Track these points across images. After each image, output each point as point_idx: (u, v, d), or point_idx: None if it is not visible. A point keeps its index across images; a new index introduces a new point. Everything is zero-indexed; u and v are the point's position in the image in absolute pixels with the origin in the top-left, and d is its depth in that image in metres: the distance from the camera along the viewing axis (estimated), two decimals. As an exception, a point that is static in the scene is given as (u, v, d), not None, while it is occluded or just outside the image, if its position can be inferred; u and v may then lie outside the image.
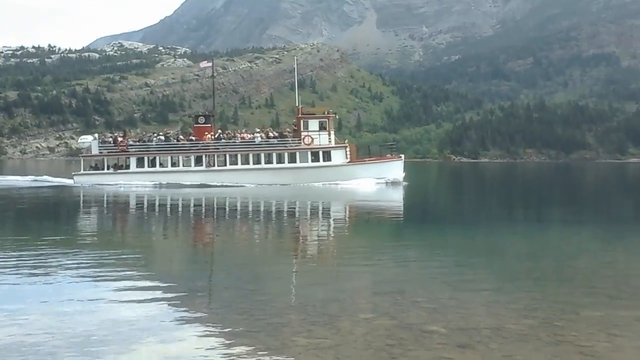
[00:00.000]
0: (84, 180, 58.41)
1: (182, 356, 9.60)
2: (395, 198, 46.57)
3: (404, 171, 59.55)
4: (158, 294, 13.61)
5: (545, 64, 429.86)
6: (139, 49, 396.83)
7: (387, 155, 62.87)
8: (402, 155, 62.15)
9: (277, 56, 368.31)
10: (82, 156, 62.38)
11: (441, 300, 13.24)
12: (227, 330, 10.94)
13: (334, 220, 31.86)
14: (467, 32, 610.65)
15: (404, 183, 57.63)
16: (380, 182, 57.10)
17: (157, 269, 17.36)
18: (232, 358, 9.51)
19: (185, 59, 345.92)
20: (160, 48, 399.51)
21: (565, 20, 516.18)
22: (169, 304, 12.66)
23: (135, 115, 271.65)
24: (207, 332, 10.80)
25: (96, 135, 66.54)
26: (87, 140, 63.02)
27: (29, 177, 64.47)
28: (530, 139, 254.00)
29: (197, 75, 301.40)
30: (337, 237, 24.85)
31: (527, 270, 17.20)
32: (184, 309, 12.33)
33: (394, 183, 57.25)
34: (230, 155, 59.24)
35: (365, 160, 60.61)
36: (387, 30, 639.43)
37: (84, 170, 60.48)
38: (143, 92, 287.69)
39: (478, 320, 11.51)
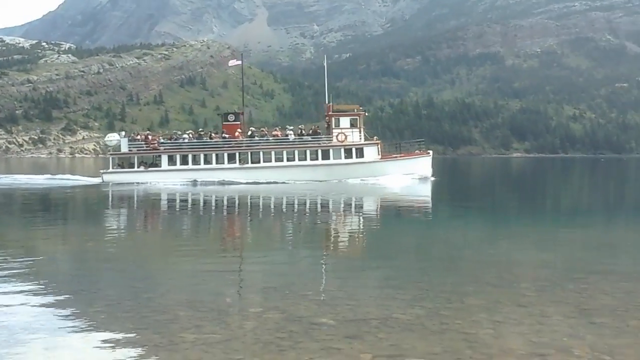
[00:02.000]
0: (113, 179, 57.21)
1: (64, 358, 9.28)
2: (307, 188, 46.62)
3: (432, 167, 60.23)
4: (39, 297, 13.12)
5: (433, 63, 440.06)
6: (20, 45, 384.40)
7: (416, 151, 63.72)
8: (430, 152, 63.44)
9: (166, 52, 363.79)
10: (111, 154, 61.15)
11: (330, 292, 13.30)
12: (112, 328, 10.63)
13: (238, 215, 31.65)
14: (357, 30, 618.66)
15: (432, 178, 58.41)
16: (414, 177, 57.63)
17: (43, 271, 16.72)
18: (116, 357, 9.26)
19: (69, 55, 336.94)
20: (44, 44, 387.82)
21: (453, 20, 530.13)
22: (52, 306, 12.21)
23: (17, 112, 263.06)
24: (91, 332, 10.47)
25: (122, 133, 65.01)
26: (115, 138, 61.49)
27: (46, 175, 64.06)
28: (419, 135, 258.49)
29: (82, 71, 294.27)
30: (234, 233, 24.72)
31: (415, 262, 17.50)
32: (68, 310, 11.92)
33: (423, 178, 57.85)
34: (264, 153, 58.64)
35: (396, 157, 60.93)
36: (279, 28, 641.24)
37: (112, 168, 59.54)
38: (25, 88, 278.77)
39: (366, 311, 11.60)
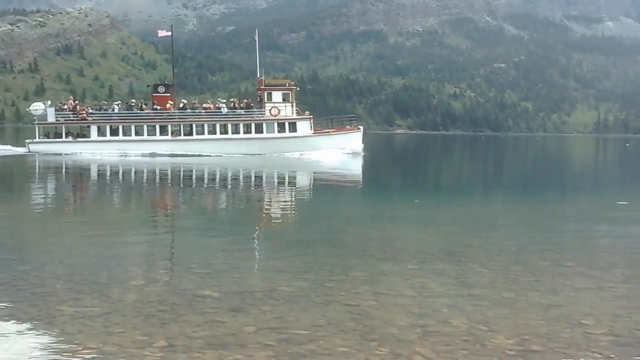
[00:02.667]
0: (40, 149, 55.49)
1: None
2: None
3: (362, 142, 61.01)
4: None
5: (317, 38, 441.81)
6: None
7: (347, 126, 63.96)
8: (361, 127, 64.08)
9: (41, 20, 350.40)
10: (37, 124, 58.62)
11: (215, 265, 13.17)
12: (-15, 303, 10.18)
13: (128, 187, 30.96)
14: (241, 3, 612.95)
15: (363, 153, 59.03)
16: (346, 152, 58.03)
17: None
18: (-10, 332, 8.87)
19: None
20: None
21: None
22: None
23: None
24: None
25: (48, 102, 62.05)
26: (40, 107, 59.11)
27: None
28: (303, 110, 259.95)
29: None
30: (134, 206, 24.20)
31: (300, 236, 17.53)
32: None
33: (355, 153, 58.34)
34: (196, 125, 58.06)
35: (328, 132, 61.12)
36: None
37: (38, 138, 57.48)
38: None
39: (251, 284, 11.56)
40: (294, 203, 26.15)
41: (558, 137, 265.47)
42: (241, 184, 35.05)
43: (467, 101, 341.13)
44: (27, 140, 57.97)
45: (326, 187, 34.04)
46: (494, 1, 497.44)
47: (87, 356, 7.98)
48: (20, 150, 57.37)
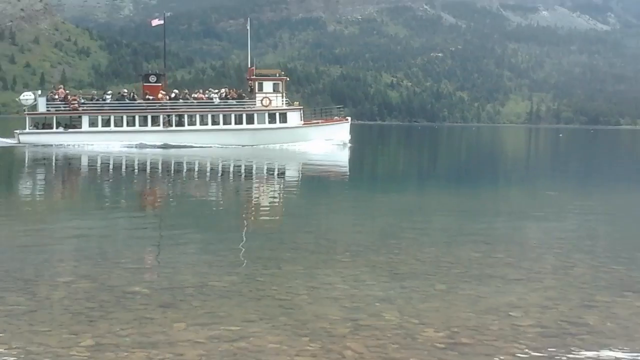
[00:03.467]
0: (30, 140, 54.56)
1: None
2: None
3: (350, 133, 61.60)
4: None
5: (256, 26, 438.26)
6: None
7: (335, 117, 64.25)
8: (349, 118, 64.95)
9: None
10: (28, 114, 56.98)
11: (146, 261, 13.03)
12: None
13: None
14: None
15: (350, 145, 59.58)
16: (336, 143, 58.45)
17: None
18: None
19: None
20: None
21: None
22: None
23: None
24: None
25: (39, 91, 60.46)
26: (30, 97, 57.16)
27: None
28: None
29: None
30: (68, 198, 23.74)
31: (233, 229, 17.45)
32: None
33: (343, 144, 58.90)
34: (188, 116, 57.66)
35: (318, 123, 61.36)
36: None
37: (29, 128, 56.27)
38: None
39: (182, 279, 11.43)
40: (237, 195, 26.09)
41: (492, 127, 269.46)
42: (209, 175, 34.83)
43: (403, 91, 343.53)
44: (17, 131, 56.32)
45: (284, 179, 33.98)
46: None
47: (11, 356, 7.79)
48: (9, 141, 55.81)
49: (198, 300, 10.17)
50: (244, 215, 20.23)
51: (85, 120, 57.00)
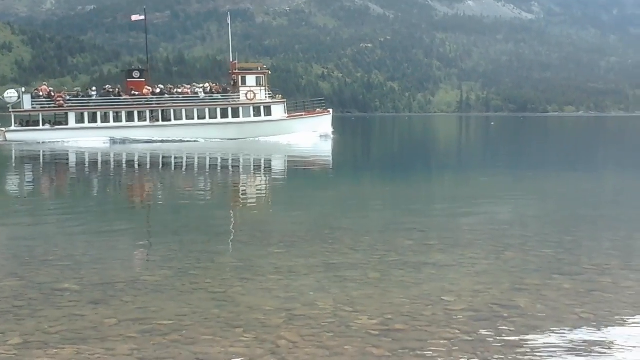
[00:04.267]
0: (17, 138, 54.34)
1: None
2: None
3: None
4: None
5: (183, 18, 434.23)
6: None
7: (317, 109, 65.53)
8: (331, 110, 66.15)
9: None
10: (13, 111, 56.73)
11: (75, 257, 12.73)
12: None
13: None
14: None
15: (332, 136, 61.13)
16: (321, 135, 60.02)
17: None
18: None
19: None
20: None
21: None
22: None
23: None
24: None
25: (23, 89, 60.42)
26: (14, 95, 56.72)
27: None
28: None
29: None
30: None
31: (168, 222, 17.26)
32: None
33: (326, 136, 60.37)
34: (174, 110, 58.00)
35: (302, 115, 62.55)
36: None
37: (15, 126, 56.16)
38: None
39: (113, 275, 11.23)
40: (177, 189, 25.81)
41: (424, 116, 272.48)
42: (172, 169, 34.34)
43: (335, 82, 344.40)
44: (3, 129, 55.86)
45: (229, 172, 33.75)
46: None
47: None
48: None
49: (129, 296, 10.01)
50: (178, 209, 19.99)
51: (71, 116, 56.98)
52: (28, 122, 57.06)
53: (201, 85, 62.74)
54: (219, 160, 39.92)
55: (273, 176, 31.47)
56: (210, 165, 37.82)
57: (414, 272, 11.61)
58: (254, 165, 37.00)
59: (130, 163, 38.95)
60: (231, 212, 19.19)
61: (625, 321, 9.09)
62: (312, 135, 59.43)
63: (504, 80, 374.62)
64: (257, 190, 25.46)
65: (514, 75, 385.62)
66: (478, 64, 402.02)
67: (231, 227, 16.36)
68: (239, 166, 37.12)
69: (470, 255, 12.96)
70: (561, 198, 22.70)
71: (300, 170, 35.23)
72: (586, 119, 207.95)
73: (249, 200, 22.02)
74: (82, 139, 54.06)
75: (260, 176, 31.31)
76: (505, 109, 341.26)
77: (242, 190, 25.54)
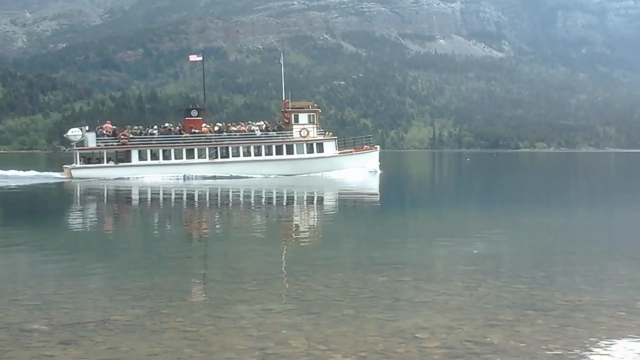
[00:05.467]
0: (83, 174, 55.67)
1: None
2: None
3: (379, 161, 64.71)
4: None
5: (155, 56, 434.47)
6: None
7: (365, 146, 66.94)
8: (378, 146, 67.88)
9: None
10: (78, 149, 58.26)
11: (44, 296, 12.54)
12: None
13: None
14: (74, 20, 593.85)
15: (379, 172, 62.22)
16: (370, 170, 61.88)
17: None
18: None
19: None
20: None
21: (174, 13, 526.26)
22: None
23: None
24: None
25: (86, 127, 61.36)
26: (79, 133, 58.84)
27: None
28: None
29: None
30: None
31: (136, 260, 17.07)
32: None
33: (373, 171, 62.01)
34: (232, 148, 59.88)
35: (351, 151, 64.34)
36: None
37: (79, 163, 57.52)
38: None
39: (83, 315, 11.07)
40: (156, 227, 25.56)
41: (397, 152, 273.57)
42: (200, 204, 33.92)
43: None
44: (69, 166, 57.44)
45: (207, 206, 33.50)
46: (331, 19, 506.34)
47: None
48: (58, 175, 57.16)
49: (100, 336, 9.86)
50: (151, 247, 19.81)
51: (134, 154, 58.55)
52: (90, 159, 58.58)
53: (257, 124, 64.68)
54: (220, 196, 39.67)
55: (248, 212, 31.31)
56: (211, 200, 37.56)
57: (387, 308, 11.56)
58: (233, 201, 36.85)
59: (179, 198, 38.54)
60: (201, 249, 19.04)
61: (598, 357, 9.09)
62: (361, 171, 61.03)
63: (475, 117, 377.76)
64: (232, 226, 25.27)
65: (485, 112, 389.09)
66: (450, 101, 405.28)
67: (204, 264, 16.24)
68: (228, 203, 36.97)
69: (444, 291, 12.94)
70: (534, 234, 22.78)
71: (286, 206, 35.11)
72: (557, 155, 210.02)
73: (218, 239, 21.82)
74: (153, 176, 55.62)
75: (235, 212, 31.19)
76: (477, 146, 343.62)
77: (217, 227, 25.38)
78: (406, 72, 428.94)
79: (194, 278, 14.46)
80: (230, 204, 36.13)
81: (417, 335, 9.93)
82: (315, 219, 28.00)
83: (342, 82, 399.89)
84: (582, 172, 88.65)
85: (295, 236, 22.45)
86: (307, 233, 23.39)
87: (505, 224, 25.58)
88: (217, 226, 25.85)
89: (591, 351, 9.32)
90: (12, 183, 49.03)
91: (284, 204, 36.44)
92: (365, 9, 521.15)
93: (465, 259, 16.94)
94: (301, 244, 20.19)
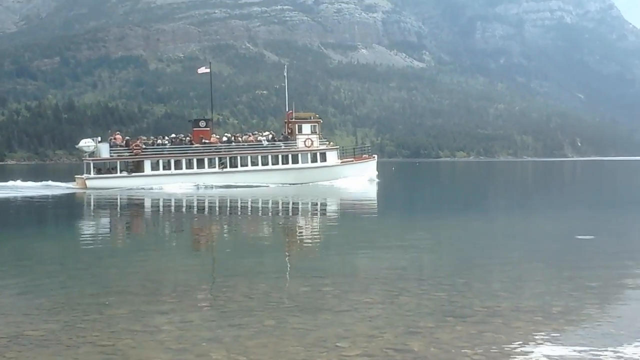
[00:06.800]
0: (97, 184, 56.92)
1: None
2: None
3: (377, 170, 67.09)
4: None
5: (73, 64, 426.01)
6: None
7: (365, 155, 69.74)
8: (376, 156, 70.72)
9: None
10: (92, 160, 59.44)
11: (-46, 312, 12.07)
12: None
13: None
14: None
15: (377, 180, 64.53)
16: (372, 179, 64.13)
17: None
18: None
19: None
20: None
21: (92, 20, 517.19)
22: None
23: None
24: None
25: (99, 138, 62.52)
26: (92, 143, 60.23)
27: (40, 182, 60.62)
28: (60, 140, 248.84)
29: None
30: None
31: (52, 274, 16.58)
32: None
33: (372, 180, 64.26)
34: (241, 157, 61.62)
35: (352, 161, 66.88)
36: None
37: (93, 174, 58.84)
38: None
39: (-6, 330, 10.70)
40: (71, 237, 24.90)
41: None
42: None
43: (230, 128, 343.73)
44: (83, 177, 58.55)
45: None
46: (254, 28, 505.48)
47: None
48: (71, 185, 58.69)
49: (12, 352, 9.57)
50: (65, 260, 19.31)
51: (147, 164, 59.91)
52: (100, 169, 60.03)
53: (265, 134, 67.45)
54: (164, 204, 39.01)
55: (190, 222, 30.93)
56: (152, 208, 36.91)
57: (309, 318, 11.51)
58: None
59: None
60: (119, 261, 18.59)
61: (516, 362, 9.22)
62: (361, 180, 63.09)
63: (397, 126, 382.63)
64: (141, 240, 24.84)
65: (407, 121, 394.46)
66: (372, 110, 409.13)
67: (121, 277, 15.87)
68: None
69: (365, 300, 12.96)
70: (455, 241, 23.08)
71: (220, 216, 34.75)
72: (477, 164, 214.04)
73: (136, 250, 21.37)
74: (172, 185, 56.77)
75: (179, 221, 30.78)
76: (399, 154, 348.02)
77: (121, 239, 24.94)
78: (329, 81, 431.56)
79: (111, 291, 14.09)
80: (184, 215, 35.62)
81: (338, 344, 9.91)
82: (247, 228, 27.84)
83: (264, 92, 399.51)
84: (500, 180, 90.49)
85: (220, 247, 22.24)
86: (234, 243, 23.19)
87: (427, 231, 25.83)
88: (146, 237, 25.39)
89: (509, 356, 9.45)
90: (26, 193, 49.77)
91: (239, 213, 36.18)
92: (287, 18, 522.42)
93: (387, 267, 17.03)
94: (225, 254, 20.01)
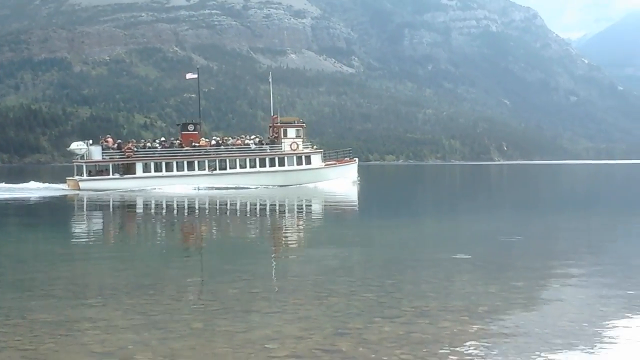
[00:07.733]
0: (90, 186, 57.91)
1: None
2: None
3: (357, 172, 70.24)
4: None
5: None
6: None
7: (345, 158, 73.55)
8: (357, 159, 74.89)
9: None
10: (85, 162, 60.31)
11: None
12: None
13: None
14: None
15: (358, 182, 67.48)
16: (347, 181, 66.32)
17: None
18: None
19: None
20: None
21: (15, 22, 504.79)
22: None
23: None
24: None
25: (90, 140, 63.64)
26: (83, 146, 61.13)
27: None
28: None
29: None
30: None
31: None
32: None
33: (354, 182, 67.01)
34: (230, 160, 63.16)
35: (335, 164, 69.80)
36: None
37: (86, 176, 59.88)
38: None
39: None
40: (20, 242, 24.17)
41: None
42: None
43: (158, 131, 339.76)
44: (76, 178, 59.44)
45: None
46: (181, 32, 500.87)
47: None
48: (63, 187, 59.45)
49: None
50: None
51: (139, 166, 61.06)
52: (90, 171, 61.10)
53: (252, 137, 69.07)
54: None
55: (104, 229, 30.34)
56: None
57: (238, 320, 11.43)
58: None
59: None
60: (44, 266, 18.14)
61: (443, 360, 9.30)
62: (343, 182, 65.56)
63: (327, 130, 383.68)
64: (65, 243, 24.29)
65: (336, 126, 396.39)
66: (302, 114, 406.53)
67: (45, 280, 15.49)
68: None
69: (294, 302, 12.93)
70: (384, 243, 23.25)
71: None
72: (406, 167, 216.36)
73: (62, 254, 20.89)
74: (170, 187, 57.76)
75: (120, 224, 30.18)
76: (329, 159, 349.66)
77: (64, 242, 24.38)
78: (258, 85, 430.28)
79: (34, 294, 13.74)
80: (127, 217, 34.94)
81: (266, 345, 9.85)
82: (193, 231, 27.52)
83: (193, 95, 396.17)
84: (429, 183, 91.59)
85: (149, 250, 21.91)
86: (169, 246, 22.92)
87: (357, 233, 25.97)
88: (77, 240, 24.82)
89: (436, 356, 9.53)
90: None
91: (206, 215, 35.74)
92: (216, 23, 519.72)
93: (316, 269, 17.03)
94: (154, 258, 19.70)
